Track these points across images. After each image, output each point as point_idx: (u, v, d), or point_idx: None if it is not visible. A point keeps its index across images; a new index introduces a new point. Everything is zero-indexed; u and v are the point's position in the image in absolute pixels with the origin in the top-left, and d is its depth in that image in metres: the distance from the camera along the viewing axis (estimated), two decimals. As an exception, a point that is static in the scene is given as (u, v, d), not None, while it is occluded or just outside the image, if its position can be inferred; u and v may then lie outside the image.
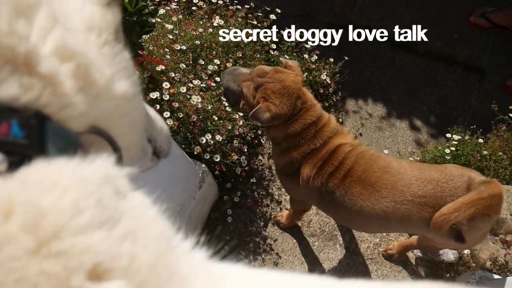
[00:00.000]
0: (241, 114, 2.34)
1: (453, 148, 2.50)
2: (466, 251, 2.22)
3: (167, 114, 2.10)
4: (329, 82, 2.77)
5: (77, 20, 0.46)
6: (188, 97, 2.17)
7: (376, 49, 3.21)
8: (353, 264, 2.39)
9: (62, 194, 0.33)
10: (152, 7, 1.67)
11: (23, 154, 0.35)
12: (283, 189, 2.58)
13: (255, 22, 2.75)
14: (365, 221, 1.70)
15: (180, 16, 2.51)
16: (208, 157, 2.21)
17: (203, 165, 2.27)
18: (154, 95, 2.09)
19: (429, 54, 3.19)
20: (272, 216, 2.53)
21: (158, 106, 2.11)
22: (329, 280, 0.47)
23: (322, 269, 2.39)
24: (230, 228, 2.49)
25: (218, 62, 2.37)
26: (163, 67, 2.17)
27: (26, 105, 0.37)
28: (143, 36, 1.76)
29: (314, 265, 2.40)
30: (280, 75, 1.71)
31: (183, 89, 2.12)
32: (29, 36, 0.39)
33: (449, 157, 2.50)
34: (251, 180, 2.51)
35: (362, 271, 2.37)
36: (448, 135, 2.62)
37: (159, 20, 2.43)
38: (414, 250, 2.37)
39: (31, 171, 0.34)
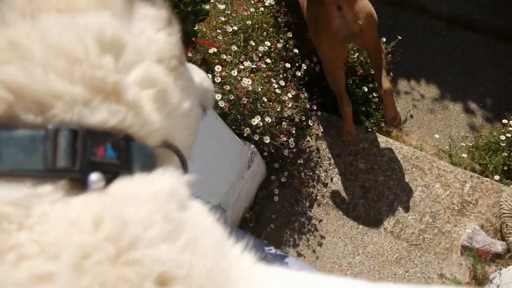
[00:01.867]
0: (290, 96, 2.36)
1: (509, 135, 2.41)
2: (517, 243, 2.18)
3: (218, 96, 2.15)
4: (381, 62, 2.70)
5: (152, 49, 0.51)
6: (239, 79, 2.21)
7: (432, 27, 3.09)
8: (396, 249, 2.41)
9: (139, 208, 0.38)
10: (206, -7, 1.70)
11: (114, 172, 0.41)
12: (329, 171, 2.61)
13: (307, 1, 2.70)
14: None
15: (232, -3, 2.51)
16: (257, 138, 2.26)
17: (252, 146, 2.32)
18: (206, 78, 2.14)
19: (489, 32, 3.03)
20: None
21: (210, 89, 2.16)
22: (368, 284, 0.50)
23: (365, 252, 2.43)
24: (276, 207, 2.56)
25: (269, 44, 2.37)
26: (215, 50, 2.20)
27: (114, 128, 0.42)
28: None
29: (357, 248, 2.44)
30: None
31: (234, 72, 2.15)
32: (116, 68, 0.44)
33: (504, 144, 2.42)
34: (299, 161, 2.54)
35: (405, 257, 2.38)
36: (505, 120, 2.52)
37: (211, 0, 2.45)
38: (460, 238, 2.35)
39: (118, 187, 0.40)
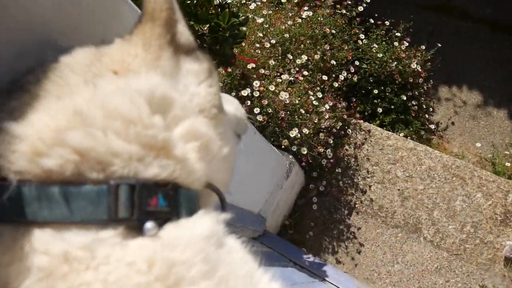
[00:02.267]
0: (328, 107, 2.41)
1: (556, 143, 2.34)
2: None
3: (257, 110, 2.24)
4: (420, 70, 2.70)
5: (195, 102, 0.58)
6: (277, 92, 2.28)
7: (475, 31, 3.03)
8: (436, 258, 2.40)
9: (183, 251, 0.46)
10: (243, 17, 1.79)
11: (165, 218, 0.49)
12: (367, 179, 2.63)
13: (344, 11, 2.74)
14: None
15: (270, 12, 2.59)
16: (295, 149, 2.33)
17: (291, 156, 2.40)
18: (245, 92, 2.23)
19: (537, 36, 2.94)
20: (354, 205, 2.61)
21: (249, 103, 2.25)
22: None
23: (404, 260, 2.44)
24: (315, 215, 2.62)
25: (306, 58, 2.43)
26: (254, 65, 2.29)
27: (164, 180, 0.50)
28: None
29: (396, 256, 2.46)
30: None
31: (272, 87, 2.23)
32: (165, 125, 0.52)
33: (551, 153, 2.36)
34: (337, 169, 2.59)
35: (446, 266, 2.37)
36: (552, 128, 2.45)
37: (250, 16, 2.54)
38: (504, 250, 2.31)
39: (167, 232, 0.47)
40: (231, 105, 0.89)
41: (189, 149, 0.53)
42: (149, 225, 0.46)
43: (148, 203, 0.47)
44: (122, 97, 0.50)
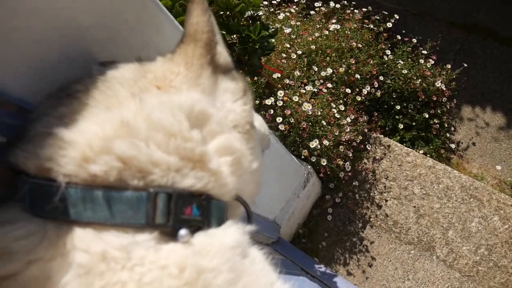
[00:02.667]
0: (349, 120, 2.44)
1: None
2: None
3: (279, 119, 2.28)
4: (444, 89, 2.70)
5: (230, 118, 0.63)
6: (300, 103, 2.32)
7: (502, 53, 3.01)
8: (448, 278, 2.41)
9: (211, 259, 0.50)
10: (272, 29, 1.83)
11: (197, 226, 0.53)
12: (384, 194, 2.65)
13: (371, 26, 2.76)
14: None
15: (299, 23, 2.63)
16: (314, 160, 2.37)
17: (309, 167, 2.43)
18: (269, 101, 2.28)
19: None
20: (370, 219, 2.63)
21: (272, 111, 2.30)
22: None
23: (415, 277, 2.45)
24: (329, 225, 2.64)
25: (331, 71, 2.47)
26: (279, 75, 2.34)
27: (199, 191, 0.55)
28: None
29: (407, 273, 2.47)
30: None
31: (296, 98, 2.27)
32: (201, 139, 0.56)
33: None
34: (354, 182, 2.61)
35: (457, 287, 2.38)
36: None
37: (277, 25, 2.59)
38: (517, 274, 2.30)
39: (198, 240, 0.52)
40: (257, 121, 0.94)
41: (222, 163, 0.58)
42: (183, 232, 0.50)
43: (183, 211, 0.52)
44: (165, 111, 0.55)
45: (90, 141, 0.50)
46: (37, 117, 0.56)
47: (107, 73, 0.61)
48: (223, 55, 0.67)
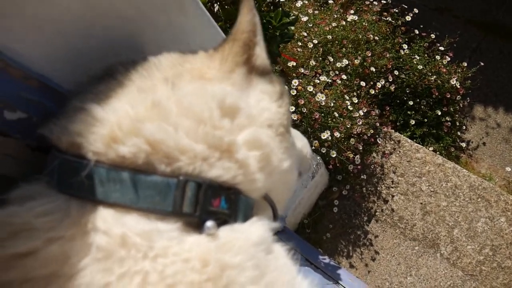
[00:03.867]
0: (362, 113, 2.42)
1: None
2: None
3: (292, 108, 2.27)
4: (459, 87, 2.68)
5: (264, 117, 0.61)
6: (314, 93, 2.30)
7: (519, 54, 2.98)
8: (450, 276, 2.41)
9: (236, 255, 0.49)
10: (293, 17, 1.81)
11: (224, 219, 0.52)
12: (391, 189, 2.64)
13: (389, 19, 2.73)
14: None
15: (316, 12, 2.59)
16: (324, 151, 2.35)
17: (318, 157, 2.42)
18: (283, 89, 2.26)
19: None
20: (376, 213, 2.62)
21: (285, 100, 2.28)
22: None
23: (418, 274, 2.45)
24: (334, 217, 2.64)
25: (347, 62, 2.44)
26: (294, 63, 2.31)
27: (227, 183, 0.53)
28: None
29: (410, 269, 2.47)
30: None
31: (310, 88, 2.25)
32: (230, 129, 0.55)
33: None
34: (362, 176, 2.60)
35: (459, 285, 2.38)
36: None
37: (295, 12, 2.55)
38: (521, 277, 2.31)
39: (223, 235, 0.50)
40: (300, 141, 0.91)
41: (251, 156, 0.56)
42: (209, 223, 0.49)
43: (211, 203, 0.50)
44: (197, 97, 0.54)
45: (121, 120, 0.49)
46: (76, 93, 0.55)
47: (149, 58, 0.60)
48: (260, 57, 0.65)
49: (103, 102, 0.51)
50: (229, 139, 0.54)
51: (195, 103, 0.53)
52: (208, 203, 0.50)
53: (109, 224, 0.46)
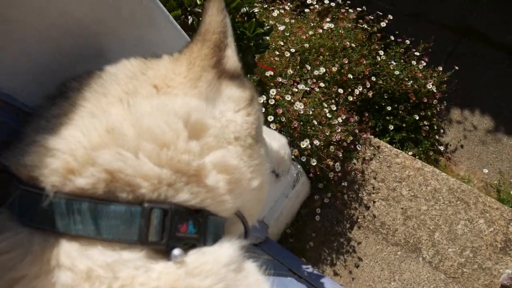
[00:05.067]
0: (340, 120, 2.43)
1: None
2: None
3: (271, 118, 2.26)
4: (435, 91, 2.71)
5: (231, 129, 0.58)
6: (292, 102, 2.30)
7: (493, 57, 3.03)
8: (433, 279, 2.43)
9: (205, 279, 0.48)
10: (268, 27, 1.80)
11: (191, 244, 0.51)
12: (372, 194, 2.65)
13: (365, 26, 2.75)
14: None
15: (293, 21, 2.60)
16: (304, 160, 2.35)
17: (299, 166, 2.42)
18: (261, 99, 2.25)
19: (554, 66, 2.94)
20: (358, 220, 2.63)
21: (263, 110, 2.27)
22: None
23: (401, 278, 2.47)
24: (317, 226, 2.64)
25: (324, 70, 2.45)
26: (272, 73, 2.31)
27: (194, 207, 0.51)
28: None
29: (393, 274, 2.48)
30: None
31: (288, 97, 2.25)
32: (198, 153, 0.52)
33: (557, 187, 2.37)
34: (343, 183, 2.61)
35: (442, 289, 2.40)
36: (561, 162, 2.46)
37: (271, 22, 2.55)
38: (501, 277, 2.34)
39: (192, 260, 0.49)
40: (276, 142, 0.88)
41: (220, 180, 0.54)
42: (176, 251, 0.48)
43: (179, 229, 0.49)
44: (157, 117, 0.51)
45: (74, 150, 0.47)
46: (32, 119, 0.53)
47: (105, 68, 0.57)
48: (231, 59, 0.63)
49: (55, 130, 0.49)
50: (197, 164, 0.52)
51: (155, 125, 0.50)
52: (175, 229, 0.49)
53: (73, 259, 0.44)
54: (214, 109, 0.57)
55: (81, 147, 0.47)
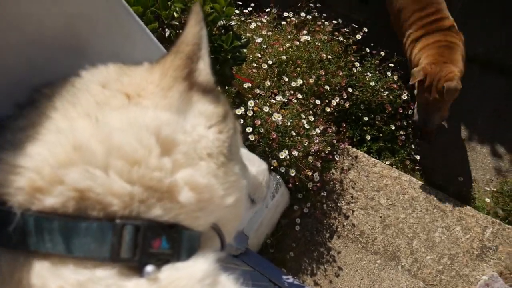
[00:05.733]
0: (318, 131, 2.46)
1: (534, 184, 2.42)
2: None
3: (249, 129, 2.27)
4: (410, 102, 2.77)
5: (202, 146, 0.56)
6: (270, 113, 2.32)
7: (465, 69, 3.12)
8: (412, 287, 2.45)
9: None
10: (245, 39, 1.83)
11: (165, 260, 0.49)
12: (351, 204, 2.68)
13: (341, 38, 2.81)
14: None
15: (270, 33, 2.64)
16: (283, 170, 2.37)
17: (278, 177, 2.43)
18: (239, 111, 2.26)
19: (524, 78, 3.04)
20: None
21: (242, 121, 2.28)
22: None
23: (381, 287, 2.48)
24: (297, 236, 2.65)
25: (301, 82, 2.48)
26: (250, 84, 2.33)
27: (168, 222, 0.50)
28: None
29: (373, 283, 2.50)
30: None
31: (266, 108, 2.27)
32: (170, 170, 0.51)
33: (529, 193, 2.43)
34: (322, 193, 2.63)
35: (421, 297, 2.42)
36: (532, 169, 2.53)
37: (248, 35, 2.59)
38: (478, 284, 2.38)
39: (165, 276, 0.48)
40: (256, 168, 0.86)
41: (192, 197, 0.53)
42: (149, 268, 0.47)
43: (151, 245, 0.48)
44: (127, 133, 0.50)
45: (40, 168, 0.45)
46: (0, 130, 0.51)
47: (82, 74, 0.56)
48: (204, 72, 0.61)
49: (20, 146, 0.47)
50: (170, 181, 0.51)
51: (125, 141, 0.49)
52: (148, 245, 0.47)
53: (45, 278, 0.43)
54: (185, 122, 0.56)
55: (47, 165, 0.46)
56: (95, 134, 0.48)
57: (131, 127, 0.50)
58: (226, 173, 0.59)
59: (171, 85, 0.57)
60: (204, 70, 0.61)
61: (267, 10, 2.96)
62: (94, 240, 0.45)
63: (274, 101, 2.40)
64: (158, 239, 0.49)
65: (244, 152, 0.76)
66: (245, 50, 1.86)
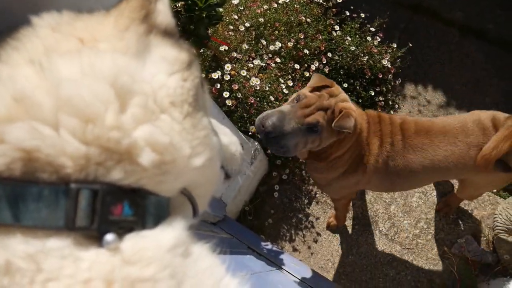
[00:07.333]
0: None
1: (510, 149, 2.44)
2: (506, 256, 2.24)
3: (226, 94, 2.20)
4: (390, 67, 2.73)
5: (162, 94, 0.50)
6: (248, 77, 2.25)
7: (444, 33, 3.09)
8: (389, 251, 2.48)
9: (145, 267, 0.42)
10: (221, -3, 1.73)
11: (128, 228, 0.44)
12: (330, 171, 2.66)
13: (320, 1, 2.72)
14: (425, 173, 1.78)
15: (247, -6, 2.53)
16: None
17: (256, 143, 2.38)
18: (216, 75, 2.18)
19: (501, 44, 3.03)
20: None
21: (218, 85, 2.21)
22: None
23: (359, 251, 2.50)
24: (275, 202, 2.63)
25: (280, 45, 2.41)
26: (226, 47, 2.24)
27: (131, 186, 0.45)
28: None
29: (351, 247, 2.52)
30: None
31: (244, 72, 2.19)
32: (130, 130, 0.45)
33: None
34: (300, 159, 2.60)
35: (398, 259, 2.46)
36: (508, 134, 2.54)
37: (226, -5, 2.47)
38: (452, 247, 2.42)
39: (128, 246, 0.43)
40: (227, 138, 0.79)
41: (155, 158, 0.47)
42: (109, 237, 0.42)
43: (111, 211, 0.43)
44: (80, 84, 0.43)
45: None
46: None
47: (33, 20, 0.49)
48: (162, 13, 0.54)
49: None
50: (129, 142, 0.44)
51: (77, 94, 0.42)
52: (107, 211, 0.42)
53: None
54: (144, 70, 0.50)
55: None
56: (40, 84, 0.42)
57: (85, 76, 0.43)
58: (193, 125, 0.53)
59: (127, 26, 0.50)
60: (163, 11, 0.55)
61: (244, -30, 2.83)
62: (45, 206, 0.40)
63: (252, 65, 2.32)
64: (119, 204, 0.43)
65: (213, 121, 0.70)
66: (221, 9, 1.77)
